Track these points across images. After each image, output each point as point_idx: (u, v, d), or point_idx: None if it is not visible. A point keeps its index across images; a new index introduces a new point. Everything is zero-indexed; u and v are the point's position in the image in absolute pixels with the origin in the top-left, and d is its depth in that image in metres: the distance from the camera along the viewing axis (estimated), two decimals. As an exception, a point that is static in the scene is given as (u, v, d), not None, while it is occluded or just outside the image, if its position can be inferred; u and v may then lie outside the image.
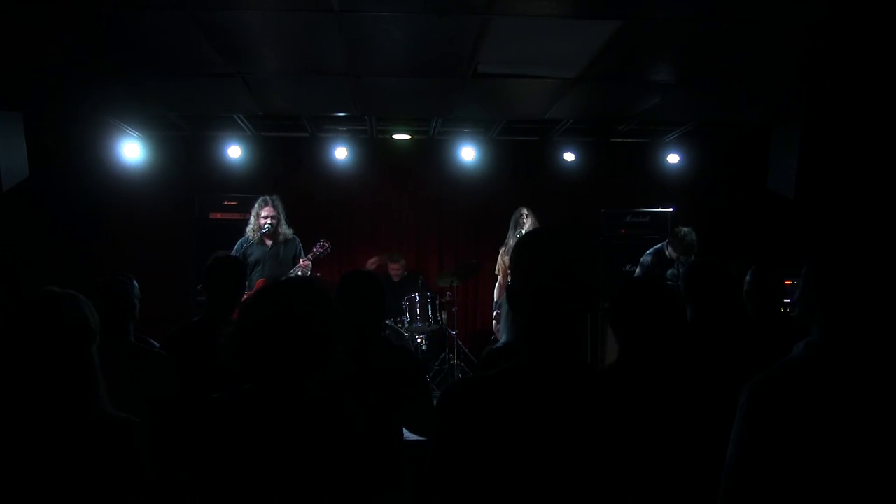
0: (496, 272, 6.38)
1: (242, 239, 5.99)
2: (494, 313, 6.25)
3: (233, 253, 5.80)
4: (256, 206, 5.98)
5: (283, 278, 1.86)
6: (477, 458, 1.31)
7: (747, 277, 3.37)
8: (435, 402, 2.71)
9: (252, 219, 5.98)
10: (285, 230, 6.00)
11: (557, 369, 1.36)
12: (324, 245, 6.04)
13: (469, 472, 1.32)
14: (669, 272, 5.95)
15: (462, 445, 1.33)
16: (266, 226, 5.87)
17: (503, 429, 1.31)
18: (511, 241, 6.12)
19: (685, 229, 5.88)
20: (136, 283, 3.22)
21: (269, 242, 5.95)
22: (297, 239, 6.09)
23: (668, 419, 1.36)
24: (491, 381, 1.39)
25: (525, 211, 6.12)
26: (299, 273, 5.84)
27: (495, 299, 6.35)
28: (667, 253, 5.98)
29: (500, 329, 3.12)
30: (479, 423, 1.32)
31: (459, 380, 1.50)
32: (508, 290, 1.45)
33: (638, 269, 6.20)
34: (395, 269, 7.45)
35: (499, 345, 3.12)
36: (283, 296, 1.78)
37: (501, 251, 6.30)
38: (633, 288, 2.41)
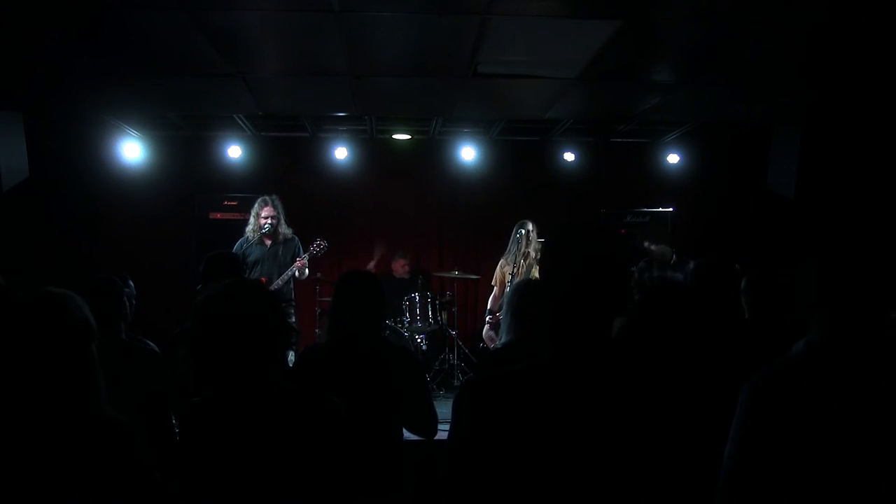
0: (493, 283, 6.34)
1: (242, 239, 5.99)
2: (487, 318, 6.23)
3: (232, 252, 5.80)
4: (256, 205, 5.98)
5: (213, 291, 1.85)
6: (498, 454, 1.30)
7: (742, 283, 3.34)
8: (440, 401, 2.71)
9: (252, 219, 5.98)
10: (285, 230, 6.00)
11: (582, 367, 1.35)
12: (320, 244, 6.04)
13: (490, 469, 1.30)
14: (657, 273, 5.94)
15: (483, 441, 1.31)
16: (266, 226, 5.88)
17: (527, 426, 1.30)
18: (511, 253, 6.05)
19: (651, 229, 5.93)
20: (131, 282, 3.21)
21: (268, 242, 5.96)
22: (297, 239, 6.09)
23: (690, 419, 1.35)
24: (514, 377, 1.36)
25: (524, 223, 6.02)
26: (296, 273, 5.83)
27: (489, 307, 6.32)
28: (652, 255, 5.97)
29: (501, 328, 3.11)
30: (503, 420, 1.31)
31: (479, 375, 1.47)
32: (537, 286, 1.44)
33: (635, 272, 6.17)
34: (403, 266, 7.44)
35: (499, 344, 3.11)
36: (218, 304, 1.80)
37: (501, 262, 6.25)
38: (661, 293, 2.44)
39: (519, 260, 5.83)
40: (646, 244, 5.88)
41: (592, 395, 1.32)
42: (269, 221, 5.87)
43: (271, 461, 1.71)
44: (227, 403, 1.77)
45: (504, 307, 3.14)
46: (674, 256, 5.86)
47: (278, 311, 1.83)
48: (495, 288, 6.26)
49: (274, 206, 5.93)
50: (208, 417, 1.77)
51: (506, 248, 6.25)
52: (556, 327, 1.37)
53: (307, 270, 5.98)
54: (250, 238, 5.94)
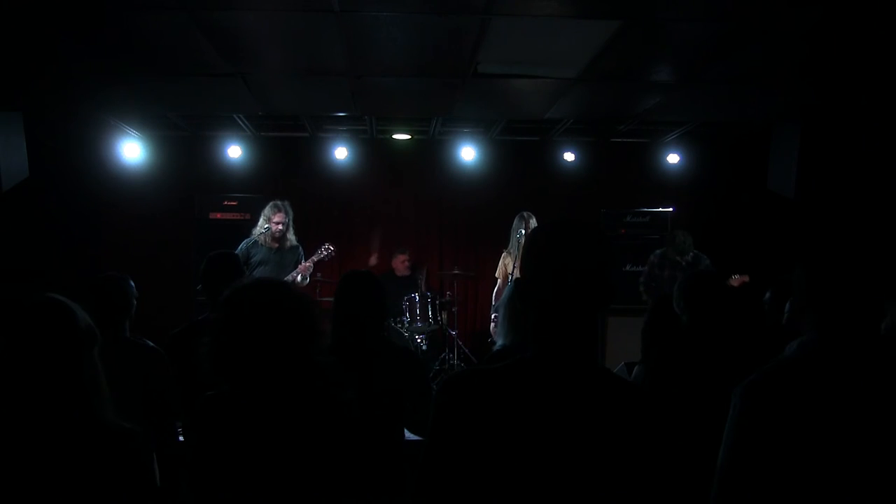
0: (496, 275, 6.37)
1: (247, 240, 6.04)
2: (493, 316, 6.26)
3: (236, 252, 5.84)
4: (268, 209, 6.03)
5: (242, 283, 1.85)
6: (474, 452, 1.29)
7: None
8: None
9: (261, 220, 6.03)
10: (291, 237, 6.09)
11: (564, 367, 1.33)
12: (328, 248, 6.13)
13: (465, 466, 1.30)
14: (667, 273, 6.02)
15: (459, 438, 1.30)
16: (277, 231, 5.95)
17: (503, 424, 1.29)
18: (513, 246, 6.12)
19: (679, 233, 6.09)
20: (132, 282, 3.22)
21: (274, 246, 6.03)
22: (301, 248, 6.18)
23: (673, 424, 1.34)
24: (494, 374, 1.35)
25: (527, 214, 6.11)
26: (298, 277, 5.90)
27: (493, 303, 6.35)
28: (668, 254, 6.07)
29: (498, 332, 3.11)
30: (479, 417, 1.30)
31: (460, 371, 1.46)
32: (517, 284, 1.42)
33: (646, 268, 6.28)
34: (403, 262, 7.44)
35: (498, 347, 3.11)
36: (246, 299, 1.79)
37: (504, 254, 6.29)
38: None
39: (519, 253, 5.87)
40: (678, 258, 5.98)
41: (574, 395, 1.31)
42: (280, 227, 5.94)
43: (284, 456, 1.71)
44: (242, 397, 1.76)
45: (500, 311, 3.14)
46: (690, 254, 5.96)
47: (310, 312, 1.83)
48: (499, 280, 6.29)
49: (285, 212, 6.01)
50: (222, 412, 1.76)
51: (506, 244, 6.30)
52: (538, 326, 1.36)
53: (308, 276, 6.04)
54: (257, 240, 5.99)
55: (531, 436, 1.28)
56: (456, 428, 1.32)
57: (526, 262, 1.41)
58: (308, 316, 1.82)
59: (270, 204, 6.04)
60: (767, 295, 3.32)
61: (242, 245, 5.98)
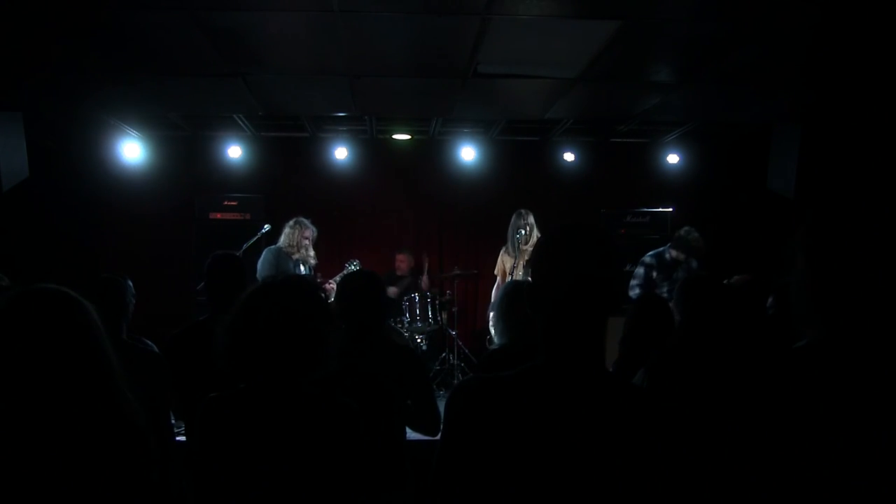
0: (496, 272, 6.37)
1: (275, 248, 6.10)
2: (490, 314, 6.26)
3: (264, 262, 6.01)
4: (298, 225, 6.13)
5: (271, 279, 1.86)
6: (486, 459, 1.29)
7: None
8: (439, 401, 2.73)
9: (291, 232, 6.11)
10: (313, 255, 6.25)
11: (575, 373, 1.33)
12: (354, 264, 6.44)
13: (478, 474, 1.30)
14: (673, 275, 5.87)
15: (472, 445, 1.30)
16: (304, 245, 6.12)
17: (517, 432, 1.28)
18: (510, 242, 6.11)
19: (686, 229, 5.82)
20: (130, 282, 3.22)
21: (296, 257, 6.13)
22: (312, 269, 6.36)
23: (683, 430, 1.34)
24: (505, 382, 1.35)
25: (524, 212, 6.11)
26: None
27: (492, 301, 6.35)
28: (667, 256, 5.89)
29: (494, 330, 3.12)
30: (492, 425, 1.29)
31: (471, 378, 1.45)
32: (528, 290, 1.41)
33: (640, 268, 6.08)
34: (402, 261, 7.45)
35: (495, 346, 3.12)
36: (274, 295, 1.80)
37: (502, 252, 6.30)
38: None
39: (519, 250, 5.87)
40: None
41: (587, 402, 1.31)
42: (307, 243, 6.14)
43: (286, 460, 1.71)
44: (244, 400, 1.76)
45: (495, 311, 3.14)
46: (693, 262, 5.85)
47: (327, 316, 1.83)
48: (498, 278, 6.29)
49: (312, 231, 6.18)
50: (225, 413, 1.77)
51: (505, 241, 6.29)
52: (547, 333, 1.36)
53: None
54: (286, 250, 6.09)
55: (545, 443, 1.28)
56: (469, 436, 1.31)
57: (537, 268, 1.41)
58: (325, 320, 1.83)
59: (300, 220, 6.16)
60: (770, 300, 3.31)
61: (273, 254, 6.05)
